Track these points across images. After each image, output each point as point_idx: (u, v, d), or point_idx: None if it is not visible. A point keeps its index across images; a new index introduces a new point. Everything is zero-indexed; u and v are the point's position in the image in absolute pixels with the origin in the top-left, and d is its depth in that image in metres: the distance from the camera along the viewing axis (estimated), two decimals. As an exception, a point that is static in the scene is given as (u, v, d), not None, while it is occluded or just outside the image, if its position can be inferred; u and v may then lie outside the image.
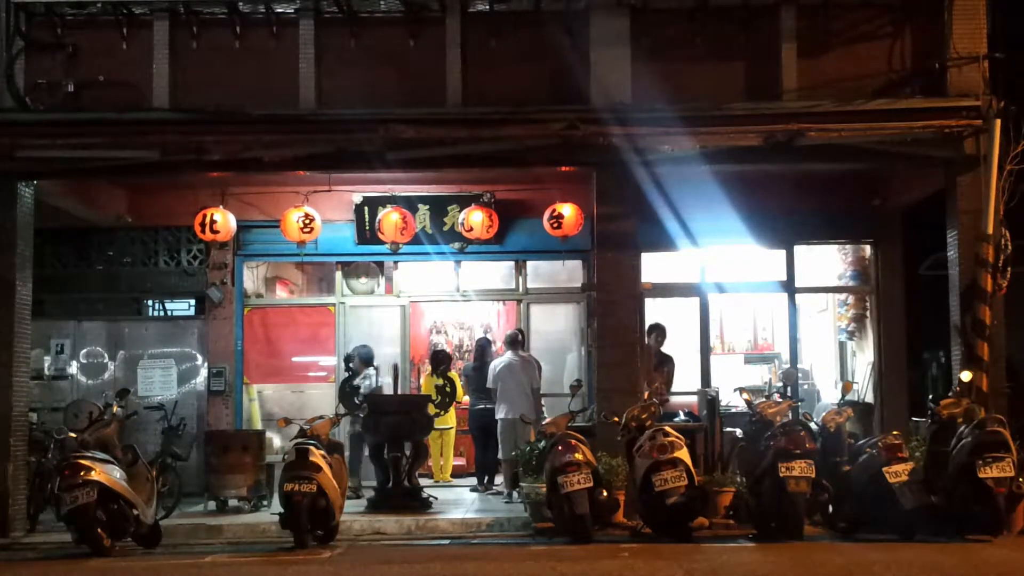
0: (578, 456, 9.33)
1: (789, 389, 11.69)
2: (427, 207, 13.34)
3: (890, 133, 10.82)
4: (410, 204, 13.01)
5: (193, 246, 13.59)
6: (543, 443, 10.19)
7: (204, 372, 13.53)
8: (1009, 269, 10.73)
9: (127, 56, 11.55)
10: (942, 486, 9.17)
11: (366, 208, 13.29)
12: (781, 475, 9.02)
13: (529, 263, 13.95)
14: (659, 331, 12.73)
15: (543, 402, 12.72)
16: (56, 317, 13.73)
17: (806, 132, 10.76)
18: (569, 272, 13.82)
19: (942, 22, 11.10)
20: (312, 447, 9.33)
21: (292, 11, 11.50)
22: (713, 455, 11.02)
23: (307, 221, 12.24)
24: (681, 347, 13.47)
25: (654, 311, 13.39)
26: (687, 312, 13.71)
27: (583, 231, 12.30)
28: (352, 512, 10.76)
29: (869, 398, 13.27)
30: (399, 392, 12.80)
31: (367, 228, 13.26)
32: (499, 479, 12.98)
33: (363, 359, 12.71)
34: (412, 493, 11.67)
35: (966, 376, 10.24)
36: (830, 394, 13.60)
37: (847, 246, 13.90)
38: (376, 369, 12.92)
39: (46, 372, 13.49)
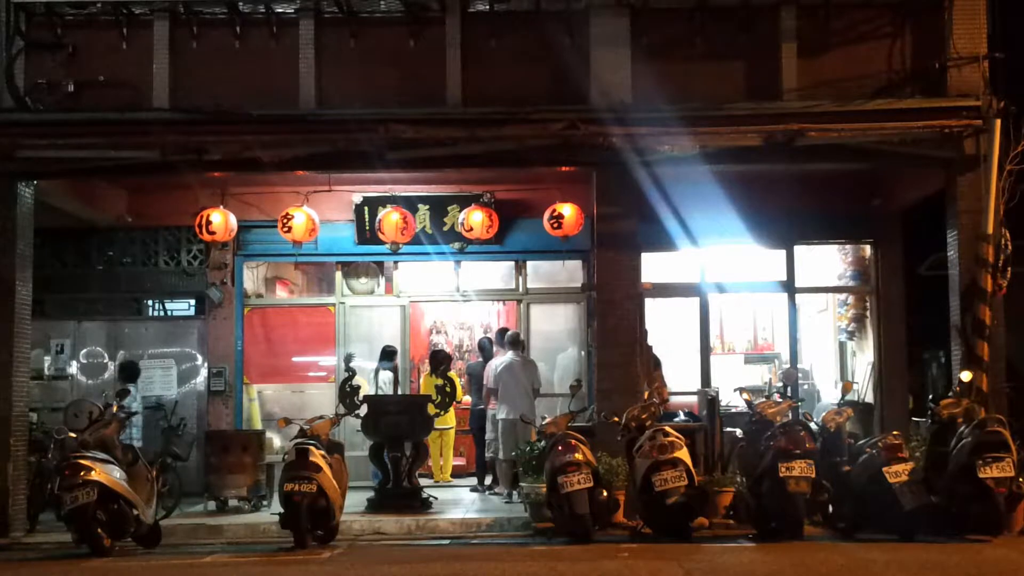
0: (578, 456, 9.33)
1: (789, 389, 11.68)
2: (427, 207, 13.34)
3: (890, 133, 10.83)
4: (410, 204, 13.01)
5: (193, 246, 13.59)
6: (543, 443, 10.19)
7: (204, 372, 13.53)
8: (1009, 269, 10.74)
9: (127, 56, 11.56)
10: (942, 486, 9.17)
11: (366, 208, 13.29)
12: (781, 475, 9.01)
13: (529, 263, 13.95)
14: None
15: (537, 402, 12.70)
16: (56, 317, 13.73)
17: (806, 132, 10.76)
18: (569, 272, 13.81)
19: (942, 22, 11.11)
20: (312, 447, 9.33)
21: (292, 11, 11.50)
22: (713, 455, 11.02)
23: (285, 220, 12.24)
24: (681, 347, 13.48)
25: (654, 311, 13.39)
26: (687, 312, 13.71)
27: (583, 231, 12.29)
28: (352, 512, 10.76)
29: (869, 398, 13.27)
30: (399, 392, 12.84)
31: (367, 228, 13.25)
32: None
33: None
34: (412, 493, 11.67)
35: (966, 376, 10.24)
36: (830, 394, 13.60)
37: (847, 246, 13.91)
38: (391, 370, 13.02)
39: (46, 372, 13.49)
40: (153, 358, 13.60)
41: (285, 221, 12.25)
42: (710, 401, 11.46)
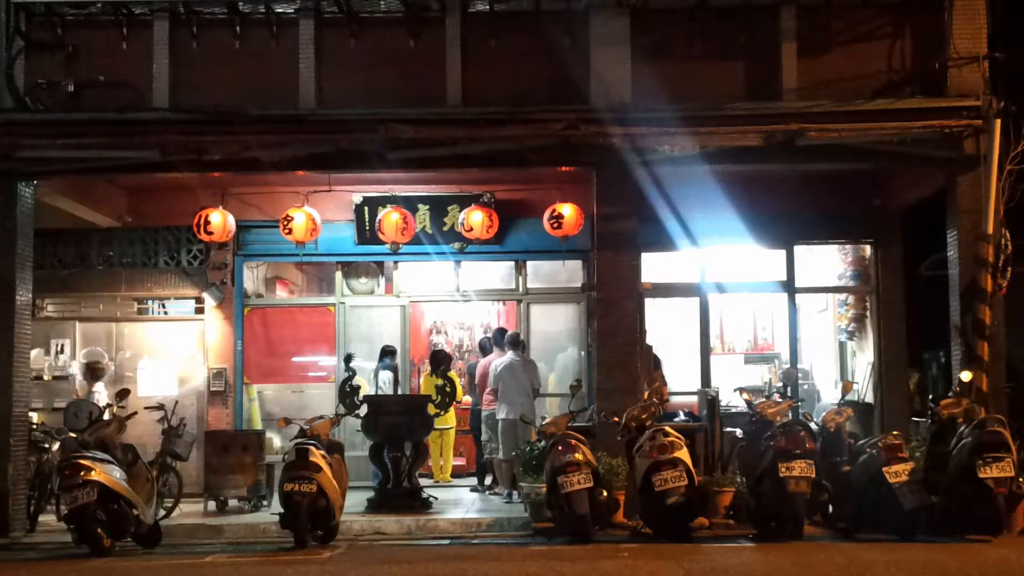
0: (578, 456, 9.33)
1: (789, 389, 11.68)
2: (427, 207, 13.33)
3: (890, 133, 10.84)
4: (410, 204, 13.01)
5: (193, 246, 13.58)
6: (543, 443, 10.19)
7: (204, 372, 13.53)
8: (1009, 269, 10.75)
9: (127, 56, 11.56)
10: (942, 486, 9.17)
11: (366, 208, 13.29)
12: (781, 475, 9.02)
13: (529, 263, 13.94)
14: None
15: (537, 402, 12.70)
16: (56, 317, 13.73)
17: (806, 132, 10.78)
18: (569, 272, 13.81)
19: (942, 22, 11.11)
20: (312, 447, 9.33)
21: (292, 11, 11.51)
22: (713, 455, 11.02)
23: (286, 221, 12.26)
24: (681, 347, 13.47)
25: (654, 311, 13.39)
26: (687, 312, 13.71)
27: (583, 231, 12.30)
28: (352, 512, 10.77)
29: (869, 398, 13.27)
30: (399, 392, 12.84)
31: (367, 228, 13.26)
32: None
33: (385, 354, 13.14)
34: (412, 493, 11.68)
35: (966, 376, 10.25)
36: (830, 394, 13.59)
37: (847, 246, 13.89)
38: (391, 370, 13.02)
39: (46, 372, 13.49)
40: (153, 358, 13.60)
41: (286, 223, 12.27)
42: (710, 401, 11.46)
